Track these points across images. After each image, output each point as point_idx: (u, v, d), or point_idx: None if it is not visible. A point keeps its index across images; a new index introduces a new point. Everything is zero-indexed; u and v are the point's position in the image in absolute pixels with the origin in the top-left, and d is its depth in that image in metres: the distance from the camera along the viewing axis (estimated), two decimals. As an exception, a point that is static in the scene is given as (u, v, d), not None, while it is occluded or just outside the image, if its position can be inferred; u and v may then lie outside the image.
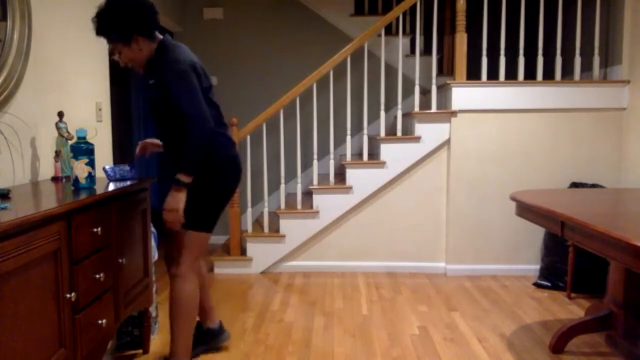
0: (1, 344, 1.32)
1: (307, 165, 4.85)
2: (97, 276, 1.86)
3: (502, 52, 3.81)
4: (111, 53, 2.11)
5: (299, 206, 4.01)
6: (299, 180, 4.07)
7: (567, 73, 4.00)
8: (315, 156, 4.03)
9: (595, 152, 3.80)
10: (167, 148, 2.23)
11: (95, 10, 2.00)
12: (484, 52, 3.82)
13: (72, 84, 2.56)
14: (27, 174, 2.20)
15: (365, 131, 3.97)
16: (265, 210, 4.06)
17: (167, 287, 3.67)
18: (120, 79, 5.70)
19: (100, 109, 2.85)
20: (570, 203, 2.45)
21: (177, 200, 2.06)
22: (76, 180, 2.00)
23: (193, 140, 2.01)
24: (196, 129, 2.00)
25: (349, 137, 3.99)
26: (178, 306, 2.21)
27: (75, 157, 1.99)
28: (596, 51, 3.79)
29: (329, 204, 3.94)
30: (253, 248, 4.02)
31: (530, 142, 3.82)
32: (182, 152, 2.01)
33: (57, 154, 2.28)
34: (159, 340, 2.77)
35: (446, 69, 4.74)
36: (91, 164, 2.02)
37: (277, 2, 4.88)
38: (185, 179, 2.04)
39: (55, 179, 2.28)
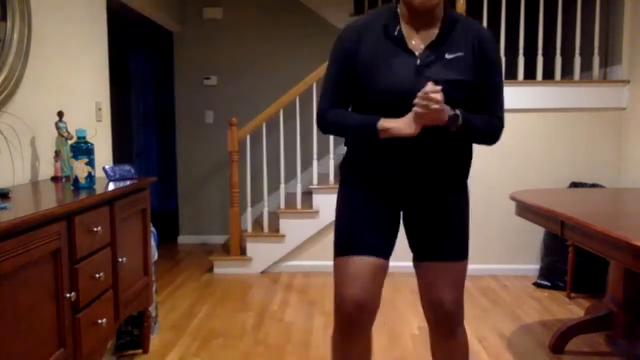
0: (1, 344, 1.32)
1: (307, 165, 4.85)
2: (97, 276, 1.86)
3: (502, 52, 3.81)
4: None
5: (299, 206, 4.01)
6: (299, 180, 4.07)
7: (567, 73, 3.99)
8: (315, 156, 4.03)
9: (595, 152, 3.80)
10: (435, 139, 1.51)
11: None
12: (484, 52, 3.81)
13: (72, 84, 2.56)
14: (27, 174, 2.20)
15: (365, 131, 3.97)
16: (265, 210, 4.06)
17: (167, 287, 3.67)
18: (120, 79, 5.70)
19: (100, 109, 2.85)
20: (570, 203, 2.45)
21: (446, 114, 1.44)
22: (76, 180, 2.00)
23: (498, 135, 1.61)
24: (501, 130, 1.61)
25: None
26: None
27: (75, 157, 1.99)
28: (596, 51, 3.79)
29: (329, 204, 3.94)
30: (253, 248, 4.02)
31: (530, 142, 3.81)
32: (454, 147, 1.56)
33: (57, 154, 2.28)
34: (158, 340, 2.77)
35: (446, 69, 4.73)
36: (91, 164, 2.02)
37: (277, 2, 4.88)
38: (459, 121, 1.46)
39: (55, 179, 2.28)
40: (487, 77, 1.53)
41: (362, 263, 1.53)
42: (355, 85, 1.55)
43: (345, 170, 1.68)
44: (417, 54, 1.49)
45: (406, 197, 1.60)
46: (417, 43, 1.50)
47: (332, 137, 4.00)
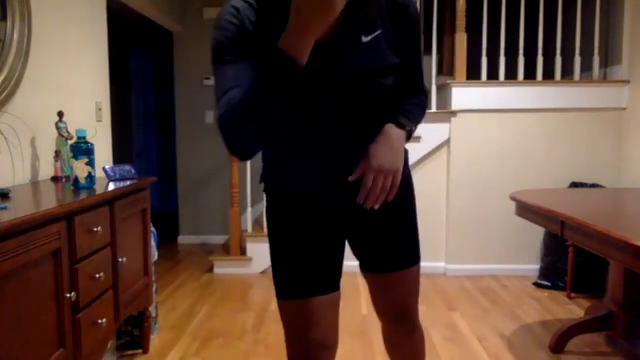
0: (1, 344, 1.32)
1: (307, 165, 4.85)
2: (97, 276, 1.86)
3: (502, 52, 3.81)
4: None
5: (299, 206, 4.00)
6: (299, 180, 4.06)
7: (567, 73, 3.99)
8: (315, 156, 4.02)
9: (595, 152, 3.80)
10: (359, 126, 1.22)
11: None
12: (484, 52, 3.82)
13: (72, 84, 2.56)
14: (27, 174, 2.20)
15: (365, 131, 3.96)
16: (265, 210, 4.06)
17: (167, 287, 3.67)
18: (120, 79, 5.70)
19: (100, 109, 2.85)
20: (570, 203, 2.45)
21: (401, 155, 1.23)
22: (76, 180, 2.00)
23: (425, 102, 1.37)
24: (427, 101, 1.40)
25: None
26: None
27: (75, 157, 1.99)
28: (596, 51, 3.79)
29: (329, 204, 3.94)
30: (253, 248, 4.01)
31: (530, 142, 3.81)
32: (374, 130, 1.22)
33: (57, 154, 2.28)
34: (158, 340, 2.77)
35: (446, 69, 4.73)
36: (91, 164, 2.02)
37: (277, 2, 4.88)
38: (405, 134, 1.25)
39: (55, 179, 2.28)
40: (411, 50, 1.24)
41: (316, 303, 1.27)
42: None
43: (267, 190, 1.35)
44: (323, 42, 1.07)
45: (346, 212, 1.32)
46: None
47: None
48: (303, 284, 1.28)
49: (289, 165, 1.27)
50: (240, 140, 1.08)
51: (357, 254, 1.42)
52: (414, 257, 1.41)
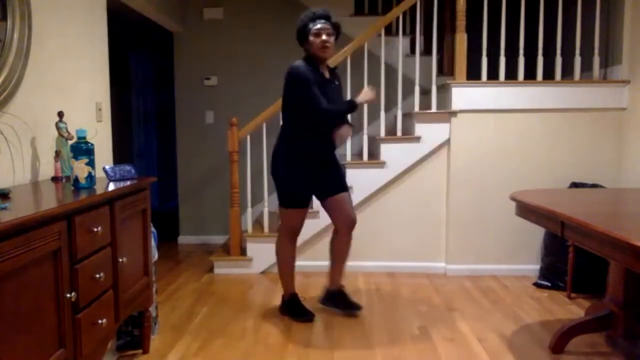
0: (1, 344, 1.32)
1: (307, 165, 4.84)
2: (97, 276, 1.86)
3: (502, 52, 3.81)
4: (323, 43, 2.90)
5: (299, 206, 4.00)
6: (299, 180, 4.06)
7: (567, 73, 3.99)
8: (315, 156, 4.01)
9: (595, 152, 3.80)
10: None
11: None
12: (484, 52, 3.82)
13: (72, 84, 2.56)
14: (27, 174, 2.20)
15: (365, 131, 3.97)
16: (265, 210, 4.06)
17: (167, 287, 3.68)
18: (120, 79, 5.71)
19: (100, 109, 2.85)
20: (570, 203, 2.45)
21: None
22: (76, 180, 2.01)
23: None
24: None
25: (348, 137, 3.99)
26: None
27: (75, 157, 2.00)
28: (596, 51, 3.79)
29: (329, 204, 3.94)
30: (253, 248, 4.02)
31: (530, 142, 3.82)
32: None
33: (57, 154, 2.28)
34: (158, 340, 2.77)
35: (446, 69, 4.73)
36: (91, 164, 2.02)
37: (277, 2, 4.88)
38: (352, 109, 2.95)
39: (55, 179, 2.28)
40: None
41: (302, 211, 2.99)
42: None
43: (292, 153, 2.94)
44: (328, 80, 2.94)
45: (323, 165, 2.98)
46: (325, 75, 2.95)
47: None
48: (297, 202, 2.97)
49: (317, 139, 2.95)
50: (332, 121, 2.96)
51: (323, 189, 3.01)
52: (347, 187, 3.06)
